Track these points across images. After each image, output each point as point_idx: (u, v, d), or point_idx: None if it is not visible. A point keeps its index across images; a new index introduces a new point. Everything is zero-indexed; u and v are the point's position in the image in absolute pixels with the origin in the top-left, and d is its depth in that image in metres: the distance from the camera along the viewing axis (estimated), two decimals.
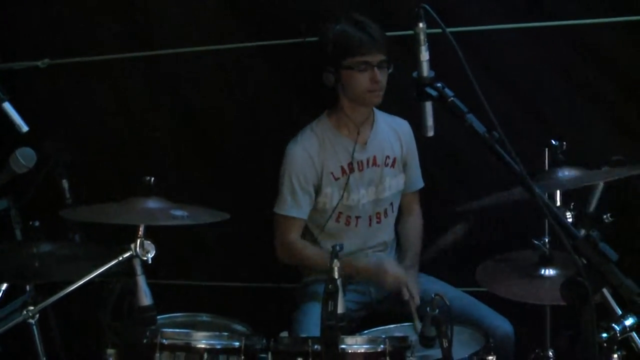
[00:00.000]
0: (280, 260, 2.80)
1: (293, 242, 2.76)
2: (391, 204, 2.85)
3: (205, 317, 2.53)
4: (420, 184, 2.94)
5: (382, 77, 2.64)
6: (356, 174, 2.76)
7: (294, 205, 2.73)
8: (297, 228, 2.77)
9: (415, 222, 2.93)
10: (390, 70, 2.67)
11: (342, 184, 2.74)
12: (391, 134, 2.85)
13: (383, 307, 2.80)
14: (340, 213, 2.78)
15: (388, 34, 2.71)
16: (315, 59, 2.74)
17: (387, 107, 2.86)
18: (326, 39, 2.68)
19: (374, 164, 2.79)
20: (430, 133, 1.83)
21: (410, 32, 1.79)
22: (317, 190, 2.76)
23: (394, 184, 2.83)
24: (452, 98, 1.73)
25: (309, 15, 3.04)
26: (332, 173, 2.75)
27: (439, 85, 1.75)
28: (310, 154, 2.73)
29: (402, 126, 2.88)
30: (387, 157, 2.82)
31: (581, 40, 2.90)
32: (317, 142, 2.75)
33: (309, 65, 2.82)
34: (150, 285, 2.17)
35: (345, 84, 2.68)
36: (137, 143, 3.30)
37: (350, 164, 2.75)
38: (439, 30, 1.74)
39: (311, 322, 2.56)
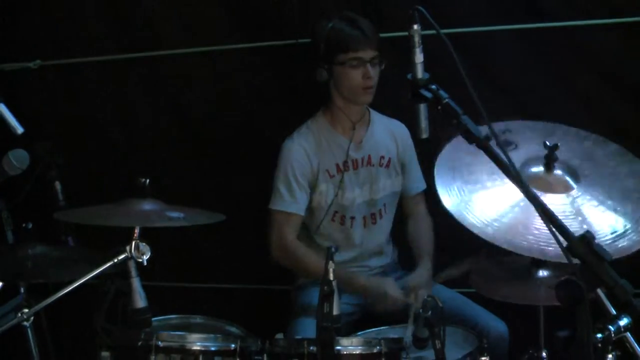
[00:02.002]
0: (275, 259, 2.74)
1: (290, 243, 2.70)
2: (384, 205, 2.85)
3: (199, 319, 2.52)
4: (422, 185, 2.92)
5: (374, 73, 2.66)
6: (351, 172, 2.77)
7: (291, 200, 2.71)
8: (294, 225, 2.73)
9: (422, 225, 2.89)
10: (382, 67, 2.69)
11: (337, 181, 2.75)
12: (387, 135, 2.86)
13: (377, 309, 2.80)
14: (335, 212, 2.78)
15: (382, 35, 2.72)
16: (308, 57, 2.76)
17: (382, 109, 2.86)
18: (319, 36, 2.70)
19: (369, 163, 2.80)
20: (425, 135, 1.84)
21: (403, 33, 1.79)
22: (313, 188, 2.75)
23: (388, 185, 2.84)
24: (446, 100, 1.74)
25: (302, 16, 3.05)
26: (327, 170, 2.75)
27: (433, 87, 1.76)
28: (306, 150, 2.74)
29: (399, 128, 2.88)
30: (382, 157, 2.82)
31: (575, 41, 2.91)
32: (313, 139, 2.77)
33: (303, 65, 2.83)
34: (144, 288, 2.16)
35: (337, 80, 2.70)
36: (131, 144, 3.29)
37: (345, 162, 2.75)
38: (434, 32, 1.74)
39: (307, 325, 2.55)
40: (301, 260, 2.70)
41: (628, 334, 1.85)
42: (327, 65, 2.67)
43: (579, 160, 2.18)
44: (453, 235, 2.89)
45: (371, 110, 2.86)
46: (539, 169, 2.13)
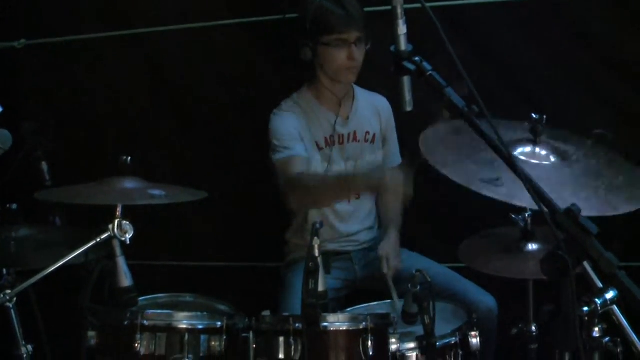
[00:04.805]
0: (291, 204, 2.64)
1: (296, 177, 2.60)
2: None
3: (188, 298, 2.52)
4: (397, 159, 2.92)
5: (358, 54, 2.65)
6: (337, 147, 2.77)
7: (291, 146, 2.66)
8: (299, 166, 2.65)
9: (391, 197, 2.84)
10: (368, 47, 2.67)
11: (325, 155, 2.74)
12: (371, 110, 2.86)
13: (367, 284, 2.80)
14: None
15: (367, 9, 2.69)
16: (294, 34, 2.74)
17: (366, 82, 2.84)
18: (305, 14, 2.68)
19: (355, 139, 2.80)
20: (409, 108, 1.81)
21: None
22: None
23: (372, 160, 2.83)
24: (430, 72, 1.70)
25: None
26: (317, 142, 2.75)
27: (416, 59, 1.72)
28: (297, 116, 2.73)
29: (382, 102, 2.88)
30: (367, 132, 2.82)
31: (563, 14, 2.89)
32: (301, 111, 2.76)
33: (289, 41, 2.80)
34: (133, 267, 2.14)
35: (322, 60, 2.70)
36: (117, 123, 3.27)
37: (332, 137, 2.74)
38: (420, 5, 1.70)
39: (295, 302, 2.55)
40: (312, 186, 2.60)
41: (615, 307, 1.84)
42: (311, 44, 2.66)
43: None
44: (450, 216, 2.93)
45: (354, 85, 2.85)
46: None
